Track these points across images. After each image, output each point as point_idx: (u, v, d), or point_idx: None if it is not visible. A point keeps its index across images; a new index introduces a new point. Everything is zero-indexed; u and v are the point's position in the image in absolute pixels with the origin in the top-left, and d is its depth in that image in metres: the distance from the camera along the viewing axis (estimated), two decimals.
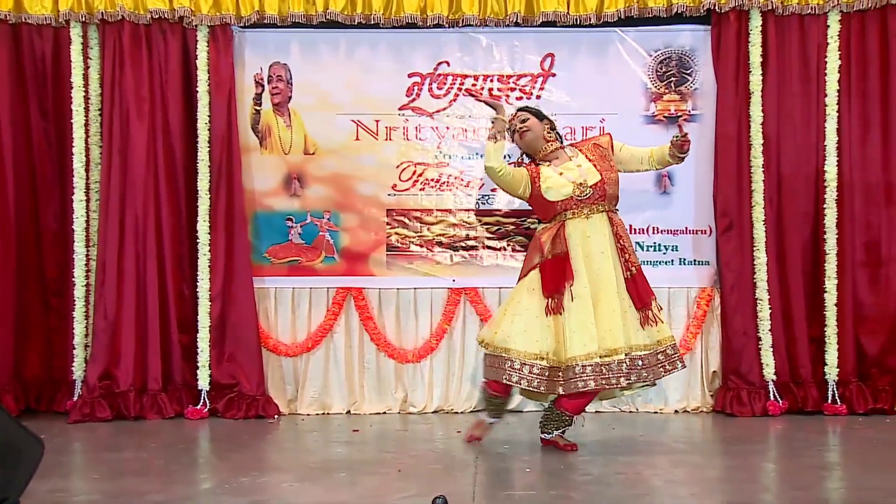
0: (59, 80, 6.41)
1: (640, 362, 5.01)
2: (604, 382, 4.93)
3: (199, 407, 6.27)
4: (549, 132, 5.28)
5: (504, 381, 5.02)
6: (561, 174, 5.14)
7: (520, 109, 5.43)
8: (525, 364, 4.97)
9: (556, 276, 5.02)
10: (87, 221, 6.34)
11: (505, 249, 6.48)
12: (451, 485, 4.30)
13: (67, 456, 5.26)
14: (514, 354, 4.99)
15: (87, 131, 6.33)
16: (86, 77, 6.32)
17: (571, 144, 5.41)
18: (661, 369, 5.11)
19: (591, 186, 5.08)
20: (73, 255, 6.31)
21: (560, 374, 4.95)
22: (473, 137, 6.50)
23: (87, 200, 6.34)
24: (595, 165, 5.15)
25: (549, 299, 5.02)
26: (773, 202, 6.30)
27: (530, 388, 5.01)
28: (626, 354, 4.97)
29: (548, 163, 5.24)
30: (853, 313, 6.29)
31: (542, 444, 5.23)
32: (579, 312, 4.96)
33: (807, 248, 6.34)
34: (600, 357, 4.92)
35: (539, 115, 5.34)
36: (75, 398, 6.23)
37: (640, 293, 5.07)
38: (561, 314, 4.98)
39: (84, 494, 4.32)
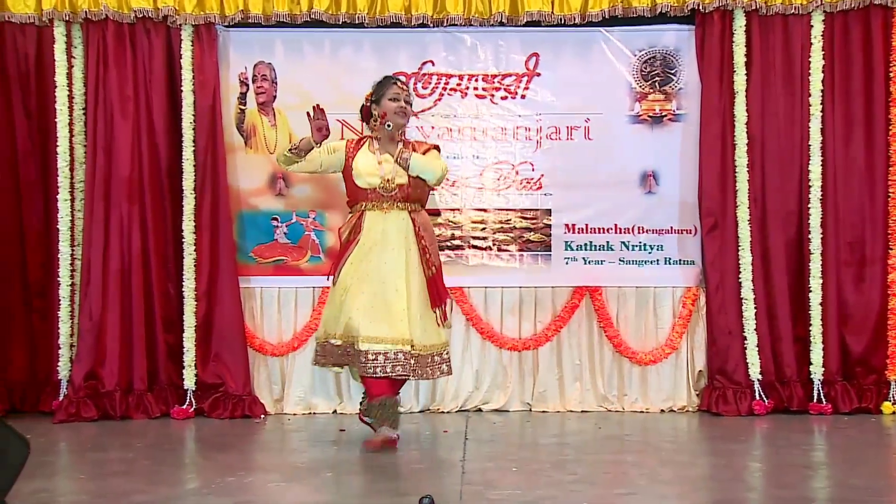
0: (43, 79, 6.38)
1: (413, 360, 5.06)
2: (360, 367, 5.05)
3: (184, 407, 6.25)
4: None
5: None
6: (380, 164, 5.21)
7: (399, 82, 5.40)
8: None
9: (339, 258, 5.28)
10: (72, 221, 6.32)
11: (491, 249, 6.49)
12: (438, 484, 4.30)
13: (53, 456, 5.23)
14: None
15: (71, 131, 6.30)
16: (69, 76, 6.29)
17: (414, 141, 5.47)
18: (430, 371, 5.19)
19: (397, 185, 5.18)
20: (57, 255, 6.28)
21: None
22: (459, 137, 6.50)
23: (72, 200, 6.31)
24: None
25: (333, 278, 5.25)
26: (757, 202, 6.32)
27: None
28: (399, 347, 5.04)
29: (377, 142, 5.30)
30: (838, 312, 6.31)
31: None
32: (351, 296, 5.11)
33: (791, 247, 6.36)
34: (342, 340, 5.09)
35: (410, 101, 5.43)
36: (61, 398, 6.20)
37: (438, 292, 5.23)
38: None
39: (69, 495, 4.30)
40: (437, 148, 5.46)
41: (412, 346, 5.03)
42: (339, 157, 5.30)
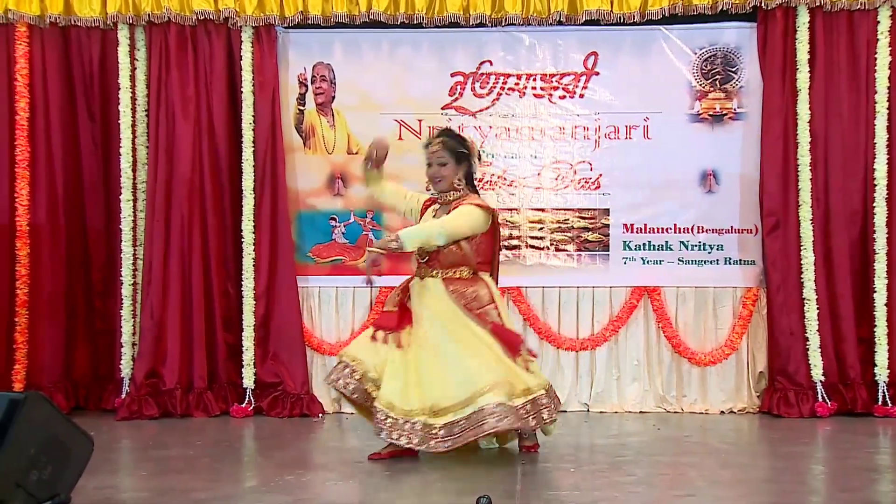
0: (106, 82, 6.49)
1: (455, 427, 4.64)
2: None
3: (244, 405, 6.31)
4: (459, 181, 4.98)
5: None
6: None
7: (442, 137, 5.02)
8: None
9: (393, 317, 4.95)
10: (134, 221, 6.41)
11: (548, 249, 6.47)
12: (496, 484, 4.29)
13: (115, 453, 5.32)
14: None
15: (133, 132, 6.39)
16: (132, 78, 6.38)
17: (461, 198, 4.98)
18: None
19: (427, 252, 4.87)
20: (119, 255, 6.38)
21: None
22: (517, 136, 6.49)
23: (134, 200, 6.41)
24: None
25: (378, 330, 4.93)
26: (820, 201, 6.23)
27: None
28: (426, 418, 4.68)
29: (438, 207, 5.04)
30: None
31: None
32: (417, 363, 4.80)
33: (855, 247, 6.25)
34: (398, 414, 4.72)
35: (459, 157, 4.97)
36: (123, 396, 6.29)
37: (506, 342, 4.80)
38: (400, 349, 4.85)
39: (132, 491, 4.37)
40: (478, 205, 4.89)
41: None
42: (416, 208, 5.15)
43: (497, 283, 5.09)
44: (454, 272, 4.90)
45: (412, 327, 4.91)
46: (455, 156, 4.96)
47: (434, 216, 5.00)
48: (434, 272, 4.90)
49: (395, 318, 4.96)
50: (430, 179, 5.04)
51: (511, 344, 4.84)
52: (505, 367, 4.74)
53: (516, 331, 5.03)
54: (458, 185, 4.99)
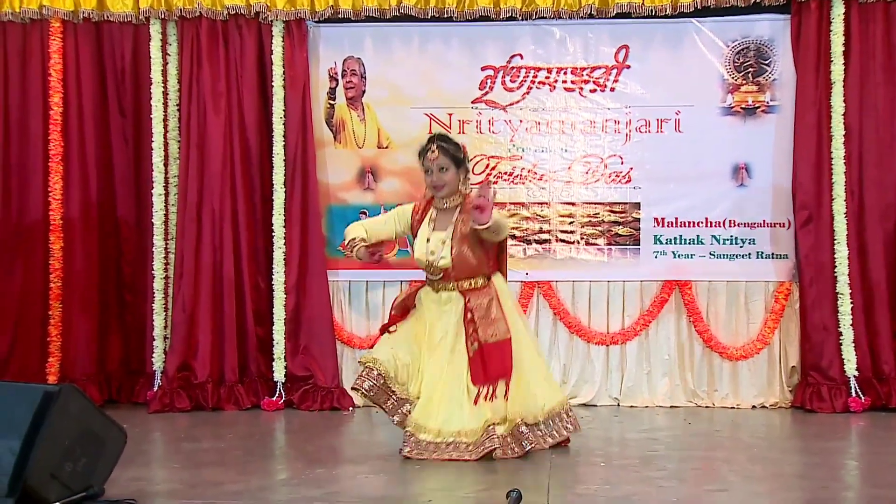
0: (138, 78, 6.54)
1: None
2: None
3: (274, 398, 6.34)
4: (462, 182, 4.89)
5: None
6: (428, 240, 4.85)
7: (440, 143, 4.86)
8: None
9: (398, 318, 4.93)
10: (166, 215, 6.45)
11: (578, 243, 6.45)
12: (526, 478, 4.29)
13: (148, 445, 5.36)
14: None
15: (165, 127, 6.43)
16: (164, 73, 6.42)
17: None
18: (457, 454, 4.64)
19: (441, 268, 4.78)
20: (151, 249, 6.42)
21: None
22: (547, 130, 6.47)
23: (166, 195, 6.45)
24: (452, 246, 4.76)
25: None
26: (854, 194, 6.17)
27: None
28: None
29: (435, 212, 4.92)
30: None
31: None
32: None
33: (890, 240, 6.19)
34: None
35: (458, 161, 4.84)
36: (155, 389, 6.33)
37: (485, 368, 4.67)
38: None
39: (164, 483, 4.39)
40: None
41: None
42: (406, 224, 5.02)
43: (506, 278, 5.03)
44: (470, 283, 4.82)
45: (423, 331, 4.86)
46: (454, 161, 4.84)
47: (433, 226, 4.87)
48: (451, 285, 4.81)
49: (400, 318, 4.92)
50: (431, 187, 4.89)
51: (481, 372, 4.68)
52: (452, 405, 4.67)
53: (510, 354, 4.74)
54: (462, 189, 4.89)
